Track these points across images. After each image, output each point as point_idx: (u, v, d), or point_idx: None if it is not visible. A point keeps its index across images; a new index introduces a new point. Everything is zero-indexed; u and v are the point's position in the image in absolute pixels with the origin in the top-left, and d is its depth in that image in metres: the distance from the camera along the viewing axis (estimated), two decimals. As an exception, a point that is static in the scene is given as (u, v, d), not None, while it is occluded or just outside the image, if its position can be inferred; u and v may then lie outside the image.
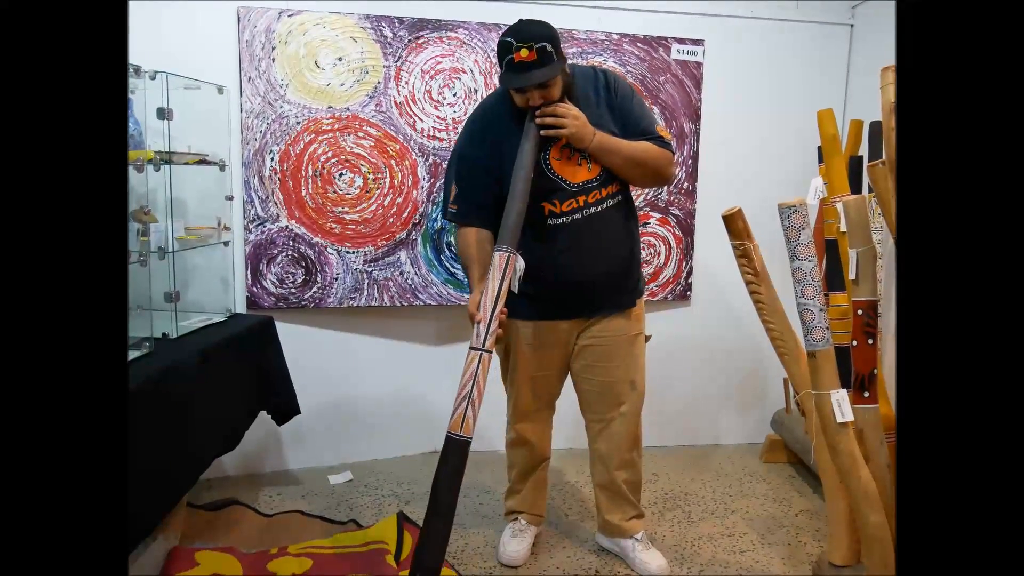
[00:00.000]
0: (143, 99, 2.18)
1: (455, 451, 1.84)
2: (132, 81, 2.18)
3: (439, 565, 1.78)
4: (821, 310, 1.94)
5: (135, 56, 2.12)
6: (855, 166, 2.46)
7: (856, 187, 2.41)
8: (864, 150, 2.54)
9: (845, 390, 2.00)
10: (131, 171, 2.12)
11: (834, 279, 2.36)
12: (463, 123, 2.28)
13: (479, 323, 1.88)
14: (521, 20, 1.94)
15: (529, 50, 1.86)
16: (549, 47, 1.88)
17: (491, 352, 1.87)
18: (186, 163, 2.38)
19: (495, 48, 2.70)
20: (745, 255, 2.07)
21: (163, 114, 2.18)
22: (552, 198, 2.05)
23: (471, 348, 1.87)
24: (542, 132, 1.96)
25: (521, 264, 1.94)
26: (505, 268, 1.89)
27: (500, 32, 2.11)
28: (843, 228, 2.31)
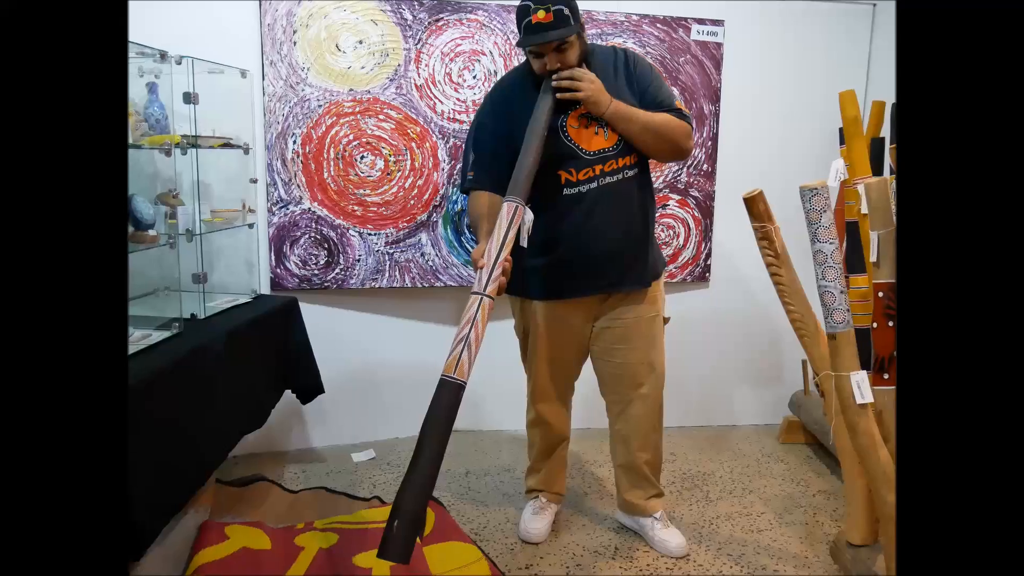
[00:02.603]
0: (170, 84, 2.21)
1: (448, 393, 1.72)
2: (158, 66, 2.21)
3: (423, 510, 1.65)
4: (842, 292, 1.95)
5: (159, 41, 2.15)
6: (876, 148, 2.45)
7: (878, 169, 2.41)
8: (886, 131, 2.54)
9: (865, 372, 2.01)
10: (159, 155, 2.16)
11: (854, 261, 2.37)
12: (483, 98, 2.30)
13: (482, 269, 1.83)
14: None
15: (546, 12, 1.90)
16: (566, 10, 1.92)
17: (492, 298, 1.82)
18: (211, 147, 2.42)
19: (515, 29, 2.71)
20: (766, 237, 2.08)
21: (189, 99, 2.21)
22: (568, 166, 2.06)
23: (472, 292, 1.81)
24: (558, 95, 1.98)
25: (529, 216, 1.90)
26: (512, 217, 1.85)
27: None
28: (864, 210, 2.30)
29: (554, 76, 1.98)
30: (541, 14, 1.91)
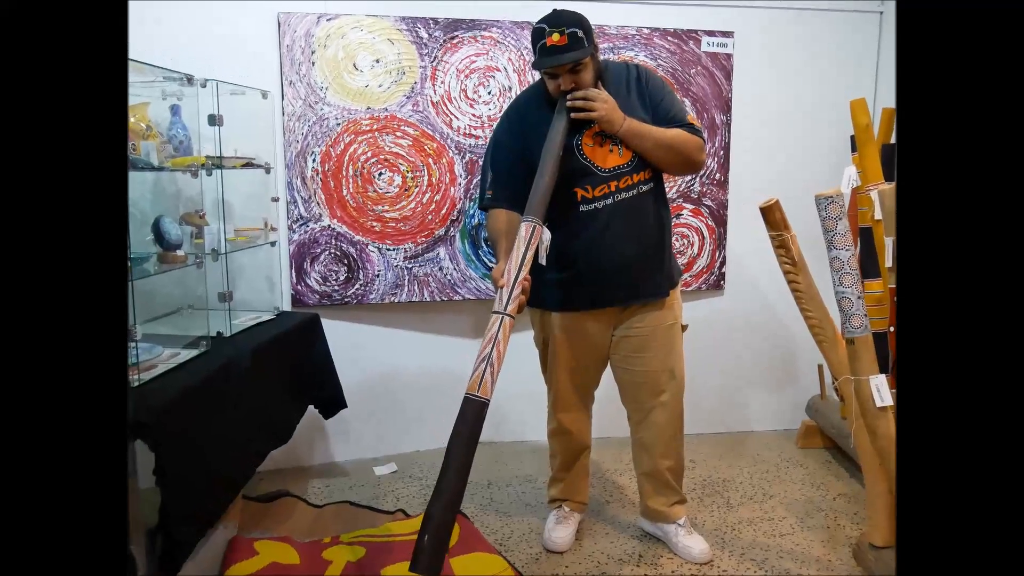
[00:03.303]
0: (195, 106, 2.26)
1: (472, 412, 1.80)
2: (183, 89, 2.27)
3: (451, 523, 1.74)
4: (859, 297, 1.98)
5: (178, 62, 2.21)
6: (888, 154, 2.49)
7: (890, 175, 2.44)
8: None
9: (884, 375, 2.04)
10: (185, 177, 2.21)
11: (869, 266, 2.40)
12: (499, 117, 2.35)
13: (502, 288, 1.89)
14: (555, 9, 2.03)
15: (561, 34, 1.95)
16: (580, 33, 1.97)
17: (513, 317, 1.88)
18: (234, 167, 2.47)
19: (529, 45, 2.76)
20: (783, 245, 2.11)
21: (214, 120, 2.26)
22: (584, 183, 2.10)
23: (493, 312, 1.88)
24: (572, 115, 2.02)
25: (547, 235, 1.96)
26: (531, 237, 1.91)
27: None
28: (877, 216, 2.34)
29: (568, 96, 2.02)
30: (556, 37, 1.96)
